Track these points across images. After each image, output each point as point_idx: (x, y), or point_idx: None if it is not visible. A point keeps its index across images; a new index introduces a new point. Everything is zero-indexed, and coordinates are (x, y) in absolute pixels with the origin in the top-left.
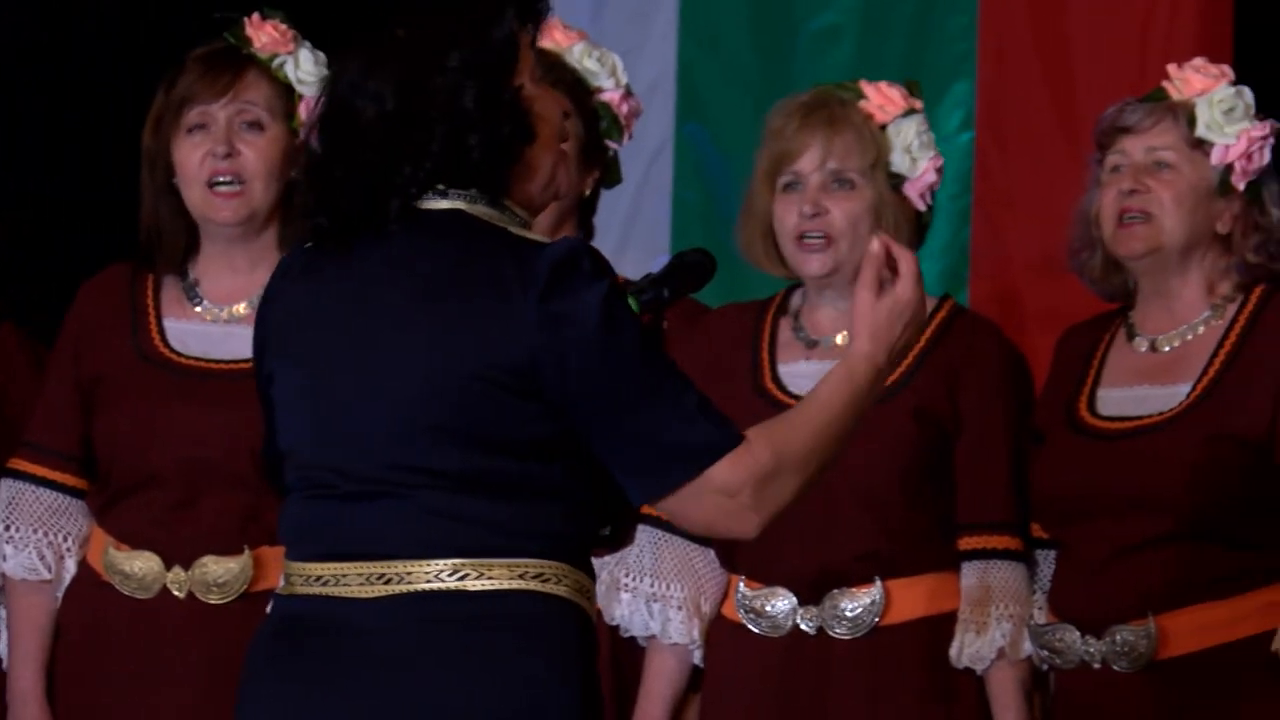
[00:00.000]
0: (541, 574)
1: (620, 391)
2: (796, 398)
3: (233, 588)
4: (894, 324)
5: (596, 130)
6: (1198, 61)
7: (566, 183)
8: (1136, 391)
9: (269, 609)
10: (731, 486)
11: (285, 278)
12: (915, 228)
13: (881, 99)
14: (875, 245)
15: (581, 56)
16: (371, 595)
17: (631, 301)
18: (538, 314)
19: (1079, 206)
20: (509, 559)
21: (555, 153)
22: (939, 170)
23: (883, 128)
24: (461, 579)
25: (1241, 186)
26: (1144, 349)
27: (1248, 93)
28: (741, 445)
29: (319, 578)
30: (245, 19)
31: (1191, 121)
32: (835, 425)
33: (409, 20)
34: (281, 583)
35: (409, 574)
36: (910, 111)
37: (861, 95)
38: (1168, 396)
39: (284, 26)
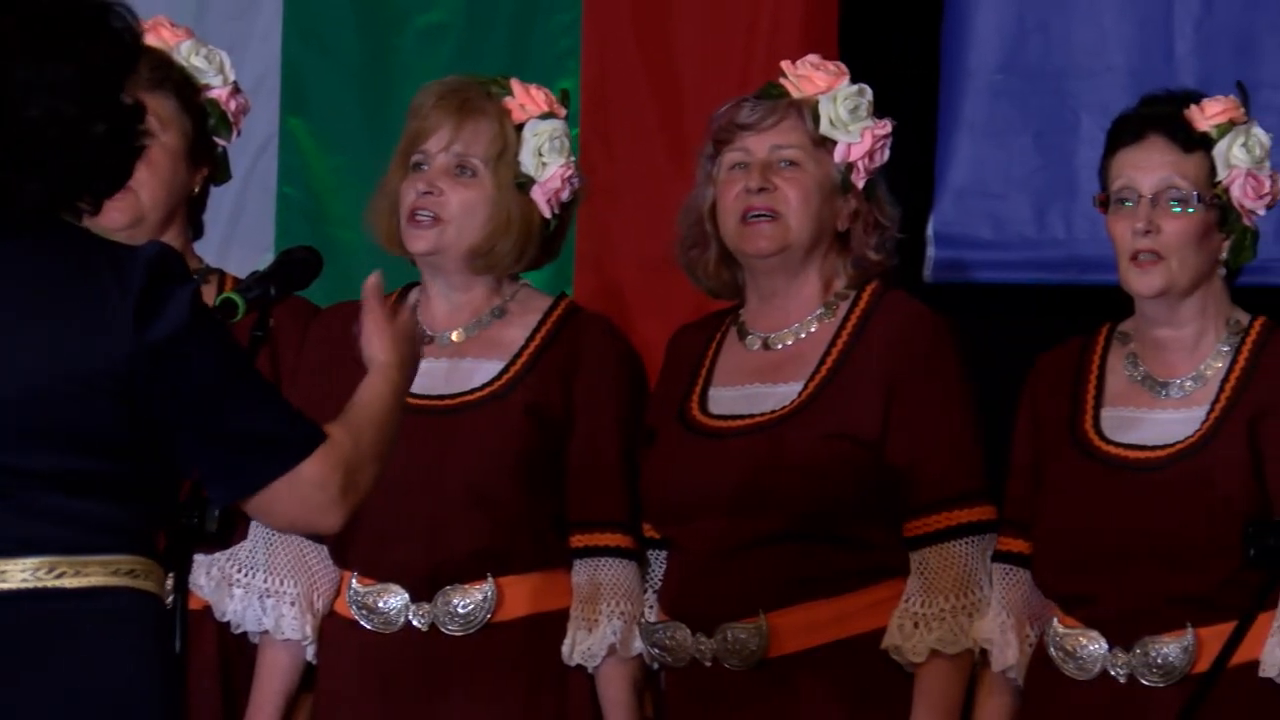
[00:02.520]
0: (133, 570)
1: (209, 392)
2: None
3: None
4: (405, 340)
5: (204, 127)
6: (813, 58)
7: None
8: (749, 390)
9: None
10: (322, 479)
11: None
12: (542, 233)
13: (525, 99)
14: (372, 279)
15: (189, 54)
16: None
17: (238, 299)
18: (133, 317)
19: (687, 203)
20: (104, 556)
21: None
22: (568, 180)
23: (519, 126)
24: (58, 577)
25: (861, 184)
26: (756, 347)
27: (868, 90)
28: (328, 440)
29: None
30: None
31: (815, 119)
32: (392, 415)
33: (36, 21)
34: None
35: (2, 573)
36: (549, 115)
37: (508, 91)
38: (780, 395)
39: None
